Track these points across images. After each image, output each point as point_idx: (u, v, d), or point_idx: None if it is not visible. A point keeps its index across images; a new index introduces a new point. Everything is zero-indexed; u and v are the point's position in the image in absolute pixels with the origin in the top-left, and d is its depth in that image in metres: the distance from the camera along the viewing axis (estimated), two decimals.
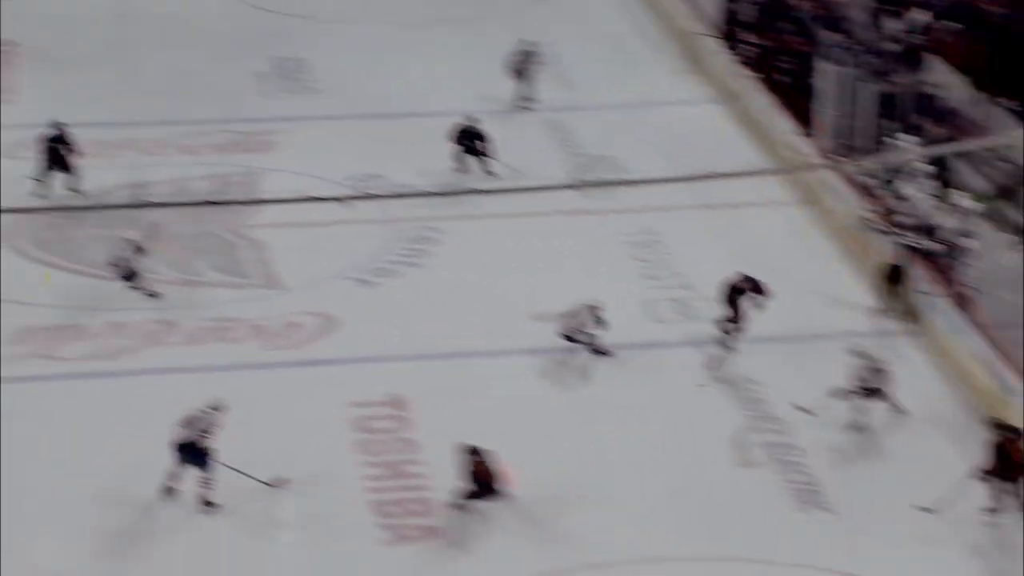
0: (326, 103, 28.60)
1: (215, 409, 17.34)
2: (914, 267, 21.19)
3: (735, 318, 20.23)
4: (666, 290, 22.01)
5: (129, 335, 20.81)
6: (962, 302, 20.24)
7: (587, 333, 19.95)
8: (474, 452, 16.75)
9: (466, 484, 16.66)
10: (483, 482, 16.64)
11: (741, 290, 20.23)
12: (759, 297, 20.25)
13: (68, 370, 20.06)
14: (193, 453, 17.11)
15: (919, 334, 20.79)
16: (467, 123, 25.06)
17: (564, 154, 26.05)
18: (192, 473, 17.10)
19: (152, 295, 21.53)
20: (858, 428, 18.22)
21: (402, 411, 19.12)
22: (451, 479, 17.48)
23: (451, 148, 24.95)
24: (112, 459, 17.92)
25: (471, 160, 25.02)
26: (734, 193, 23.73)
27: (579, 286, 21.81)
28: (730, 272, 21.50)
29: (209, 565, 16.44)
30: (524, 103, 27.78)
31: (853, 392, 18.13)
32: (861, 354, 18.21)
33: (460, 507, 16.74)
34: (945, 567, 16.04)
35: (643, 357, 20.11)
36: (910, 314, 21.09)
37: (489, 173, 24.87)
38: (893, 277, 21.12)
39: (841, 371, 18.98)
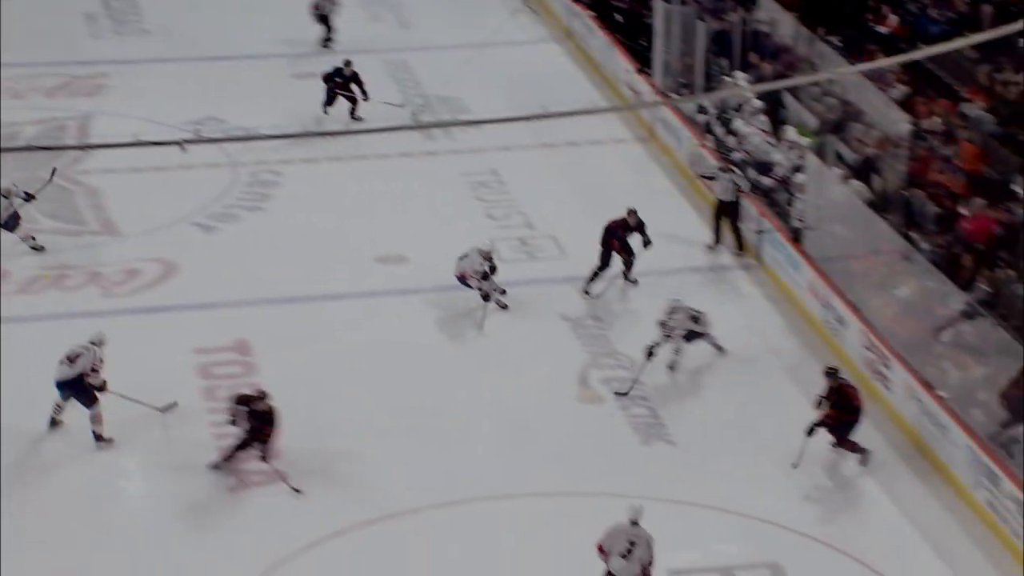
0: (158, 45, 28.24)
1: (97, 344, 17.30)
2: (748, 202, 21.61)
3: (628, 257, 20.51)
4: (509, 229, 22.17)
5: None
6: (794, 236, 20.70)
7: (481, 278, 19.78)
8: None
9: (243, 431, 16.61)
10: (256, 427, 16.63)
11: (628, 228, 20.46)
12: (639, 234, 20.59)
13: None
14: (79, 390, 17.07)
15: (753, 268, 21.25)
16: (341, 65, 24.87)
17: (405, 95, 26.04)
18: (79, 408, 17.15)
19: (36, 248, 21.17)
20: (674, 368, 18.50)
21: (247, 356, 19.07)
22: (298, 423, 17.58)
23: (324, 88, 24.78)
24: None
25: (343, 102, 24.83)
26: (574, 131, 24.01)
27: (423, 227, 21.95)
28: (572, 209, 21.85)
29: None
30: (327, 43, 27.77)
31: (671, 338, 18.37)
32: (675, 308, 18.42)
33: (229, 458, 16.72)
34: (782, 497, 16.46)
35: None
36: (744, 249, 21.55)
37: (356, 118, 24.70)
38: (727, 213, 21.52)
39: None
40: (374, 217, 22.39)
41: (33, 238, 21.19)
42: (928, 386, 17.34)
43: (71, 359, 17.21)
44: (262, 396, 16.67)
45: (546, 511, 16.35)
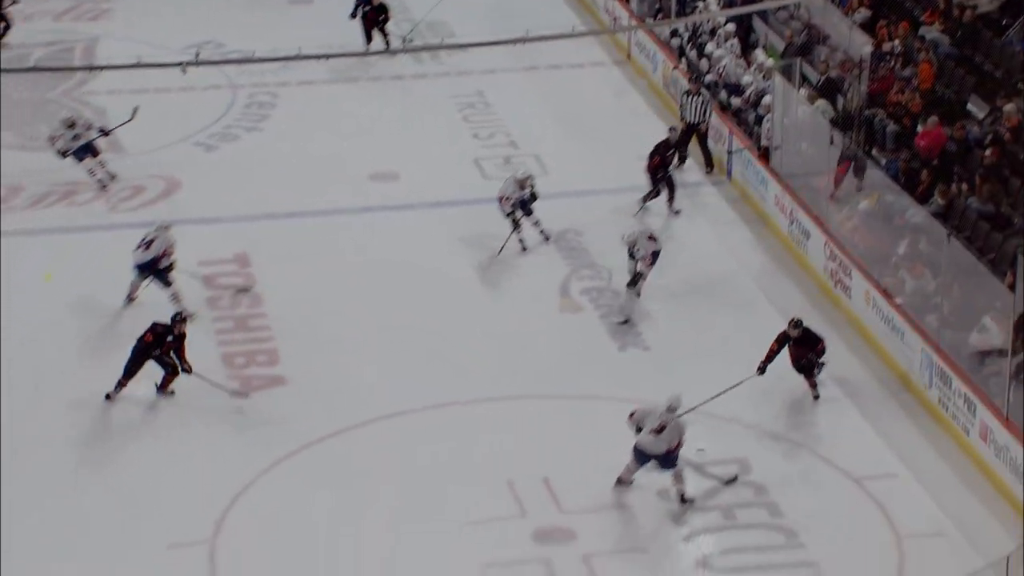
0: None
1: (166, 229, 17.98)
2: (720, 122, 21.70)
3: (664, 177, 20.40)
4: (495, 148, 22.28)
5: None
6: (763, 154, 20.81)
7: (518, 206, 19.36)
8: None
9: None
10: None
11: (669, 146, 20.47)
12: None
13: None
14: (155, 272, 17.79)
15: (723, 184, 21.38)
16: None
17: (395, 21, 25.94)
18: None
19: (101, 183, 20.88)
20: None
21: (247, 268, 19.22)
22: (295, 331, 17.77)
23: (357, 22, 24.67)
24: None
25: (376, 34, 24.71)
26: (555, 55, 24.03)
27: (414, 147, 22.04)
28: (554, 129, 21.96)
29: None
30: None
31: (642, 264, 18.20)
32: (636, 237, 18.23)
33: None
34: (749, 399, 16.68)
35: (473, 213, 20.35)
36: (713, 167, 21.66)
37: (388, 46, 24.50)
38: (697, 134, 21.58)
39: (657, 224, 19.71)
40: (368, 137, 22.47)
41: (99, 171, 20.71)
42: (886, 294, 17.54)
43: (146, 244, 17.80)
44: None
45: (529, 412, 16.56)
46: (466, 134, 22.62)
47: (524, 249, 19.50)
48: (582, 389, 16.85)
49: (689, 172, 21.58)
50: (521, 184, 19.37)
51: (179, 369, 16.31)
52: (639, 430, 14.94)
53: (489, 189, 20.27)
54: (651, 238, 18.37)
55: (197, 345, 17.34)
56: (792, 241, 19.67)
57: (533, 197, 19.44)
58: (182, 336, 16.26)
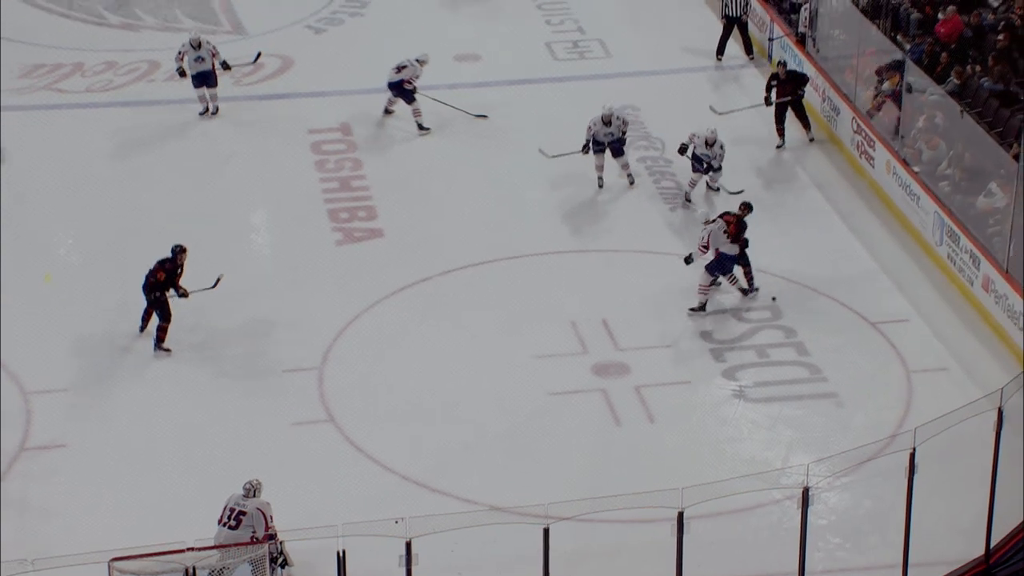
0: None
1: (422, 62, 19.01)
2: (762, 10, 21.29)
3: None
4: (564, 33, 22.04)
5: (122, 73, 20.63)
6: (799, 40, 20.43)
7: (608, 147, 17.62)
8: None
9: None
10: None
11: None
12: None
13: (72, 101, 19.88)
14: (401, 92, 18.94)
15: (764, 67, 21.02)
16: None
17: None
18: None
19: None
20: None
21: (349, 136, 19.26)
22: (391, 190, 17.85)
23: None
24: (118, 172, 18.06)
25: None
26: None
27: (492, 31, 21.82)
28: (617, 16, 21.66)
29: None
30: None
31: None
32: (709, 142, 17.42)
33: None
34: (779, 253, 16.60)
35: (544, 90, 20.19)
36: (754, 52, 21.28)
37: None
38: (739, 25, 21.14)
39: (700, 99, 19.42)
40: (452, 22, 22.27)
41: (209, 102, 19.28)
42: (905, 163, 17.31)
43: (399, 68, 18.81)
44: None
45: (590, 263, 16.60)
46: (539, 20, 22.36)
47: (631, 182, 17.92)
48: (636, 244, 16.83)
49: (733, 58, 21.21)
50: (606, 121, 17.53)
51: (168, 313, 14.78)
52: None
53: (560, 69, 20.08)
54: (709, 142, 17.35)
55: (307, 201, 17.48)
56: (823, 116, 19.39)
57: (622, 139, 17.60)
58: (181, 267, 14.87)
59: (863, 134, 18.26)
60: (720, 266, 15.53)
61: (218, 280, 15.02)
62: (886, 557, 11.98)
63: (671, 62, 21.01)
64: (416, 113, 19.04)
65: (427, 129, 19.03)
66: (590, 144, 17.62)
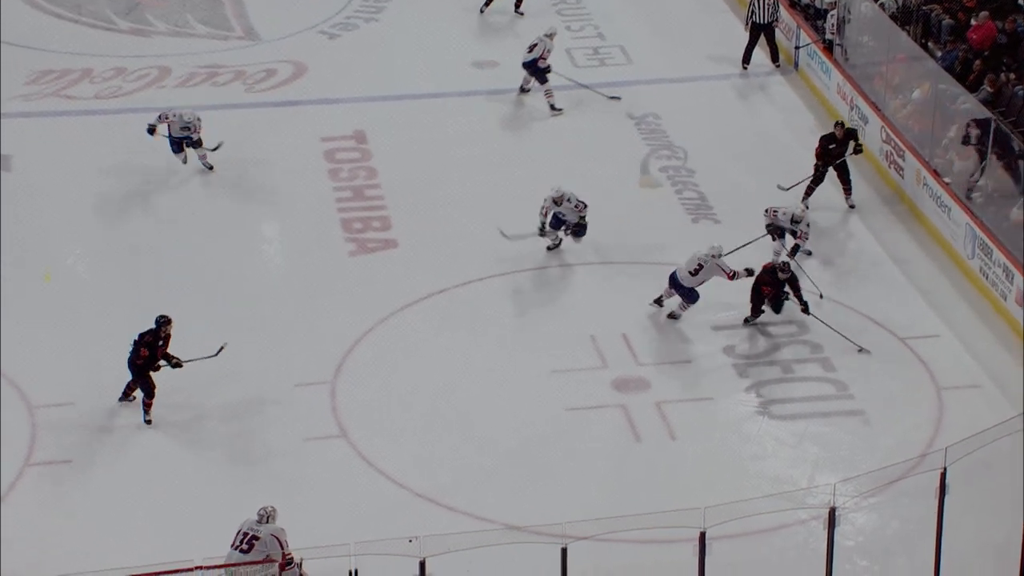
0: None
1: (550, 36, 19.47)
2: (789, 17, 21.28)
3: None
4: (584, 40, 22.07)
5: (131, 79, 20.73)
6: (827, 47, 20.41)
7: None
8: None
9: None
10: None
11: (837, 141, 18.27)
12: None
13: (80, 107, 19.98)
14: (535, 71, 19.38)
15: (791, 74, 21.03)
16: None
17: None
18: None
19: None
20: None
21: (363, 144, 19.31)
22: (406, 200, 17.87)
23: None
24: (126, 179, 18.12)
25: None
26: None
27: (510, 37, 21.86)
28: (637, 22, 21.68)
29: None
30: None
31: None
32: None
33: None
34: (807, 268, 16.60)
35: (564, 96, 20.19)
36: (781, 60, 21.26)
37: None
38: (766, 32, 21.10)
39: (728, 109, 19.43)
40: (470, 28, 22.32)
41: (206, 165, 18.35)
42: (936, 173, 17.27)
43: (531, 47, 19.41)
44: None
45: (611, 276, 16.58)
46: (559, 25, 22.34)
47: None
48: (659, 256, 16.82)
49: (759, 66, 21.21)
50: (557, 201, 16.38)
51: (152, 389, 14.04)
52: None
53: (578, 75, 20.11)
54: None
55: (319, 210, 17.53)
56: (852, 126, 19.33)
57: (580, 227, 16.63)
58: (168, 337, 14.05)
59: (892, 144, 18.22)
60: (692, 297, 15.49)
61: (221, 348, 14.25)
62: None
63: (694, 69, 21.01)
64: (548, 94, 19.46)
65: (559, 110, 19.49)
66: (545, 225, 16.55)
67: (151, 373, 14.01)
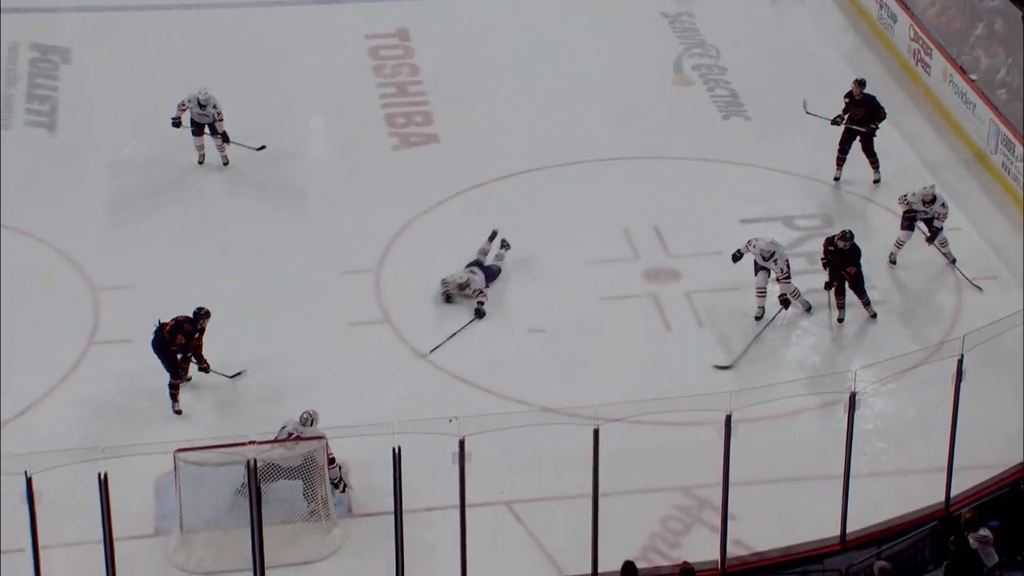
0: None
1: None
2: None
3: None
4: None
5: None
6: None
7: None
8: None
9: None
10: None
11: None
12: None
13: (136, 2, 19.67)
14: None
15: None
16: None
17: None
18: None
19: None
20: None
21: (407, 41, 19.18)
22: (447, 96, 17.77)
23: None
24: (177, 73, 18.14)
25: None
26: None
27: None
28: None
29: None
30: None
31: None
32: None
33: None
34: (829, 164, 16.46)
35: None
36: None
37: None
38: None
39: (760, 8, 19.07)
40: None
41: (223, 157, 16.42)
42: (962, 70, 17.01)
43: None
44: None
45: (644, 170, 16.48)
46: None
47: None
48: (690, 152, 16.72)
49: None
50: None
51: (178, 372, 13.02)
52: None
53: None
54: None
55: (363, 106, 17.46)
56: (880, 24, 19.05)
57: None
58: (203, 331, 13.10)
59: (920, 42, 17.94)
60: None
61: (238, 374, 13.33)
62: (930, 461, 11.98)
63: None
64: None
65: None
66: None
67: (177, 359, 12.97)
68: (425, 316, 14.16)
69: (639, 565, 10.35)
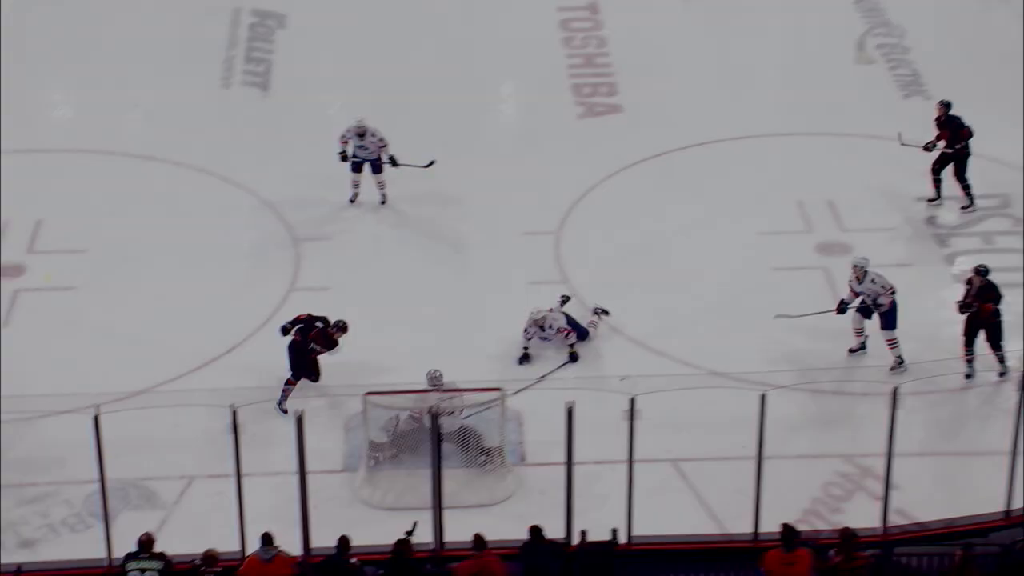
0: None
1: None
2: None
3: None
4: None
5: None
6: None
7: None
8: None
9: None
10: None
11: None
12: None
13: None
14: None
15: None
16: None
17: None
18: None
19: None
20: None
21: (596, 15, 19.15)
22: (631, 69, 17.72)
23: None
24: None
25: None
26: None
27: None
28: None
29: None
30: None
31: None
32: None
33: None
34: (1015, 144, 15.88)
35: None
36: None
37: None
38: None
39: None
40: None
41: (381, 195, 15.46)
42: None
43: None
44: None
45: (819, 145, 16.24)
46: None
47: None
48: (868, 129, 16.38)
49: None
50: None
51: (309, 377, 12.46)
52: None
53: None
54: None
55: (551, 76, 17.45)
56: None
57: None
58: (332, 345, 12.42)
59: None
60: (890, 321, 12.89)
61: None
62: None
63: None
64: None
65: None
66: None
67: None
68: (600, 279, 14.19)
69: (799, 528, 10.28)
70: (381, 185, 15.12)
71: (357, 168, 15.02)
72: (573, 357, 12.98)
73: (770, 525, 10.51)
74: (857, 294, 12.82)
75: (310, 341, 12.35)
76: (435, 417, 10.51)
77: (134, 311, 13.75)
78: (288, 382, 12.36)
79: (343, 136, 14.97)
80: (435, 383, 11.87)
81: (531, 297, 13.86)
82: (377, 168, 14.95)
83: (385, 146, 14.88)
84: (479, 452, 11.70)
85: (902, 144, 15.15)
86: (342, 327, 12.48)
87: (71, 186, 15.57)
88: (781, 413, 11.02)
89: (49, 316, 13.72)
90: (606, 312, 13.50)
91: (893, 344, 12.74)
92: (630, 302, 13.84)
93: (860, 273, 12.77)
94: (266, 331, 13.25)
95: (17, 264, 14.43)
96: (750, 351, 12.91)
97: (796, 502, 11.33)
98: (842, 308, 12.87)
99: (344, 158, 15.01)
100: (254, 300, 13.83)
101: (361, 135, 14.79)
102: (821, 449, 11.87)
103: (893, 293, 12.69)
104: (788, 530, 10.11)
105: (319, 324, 12.48)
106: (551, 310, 13.16)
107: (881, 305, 12.66)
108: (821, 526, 11.20)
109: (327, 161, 15.14)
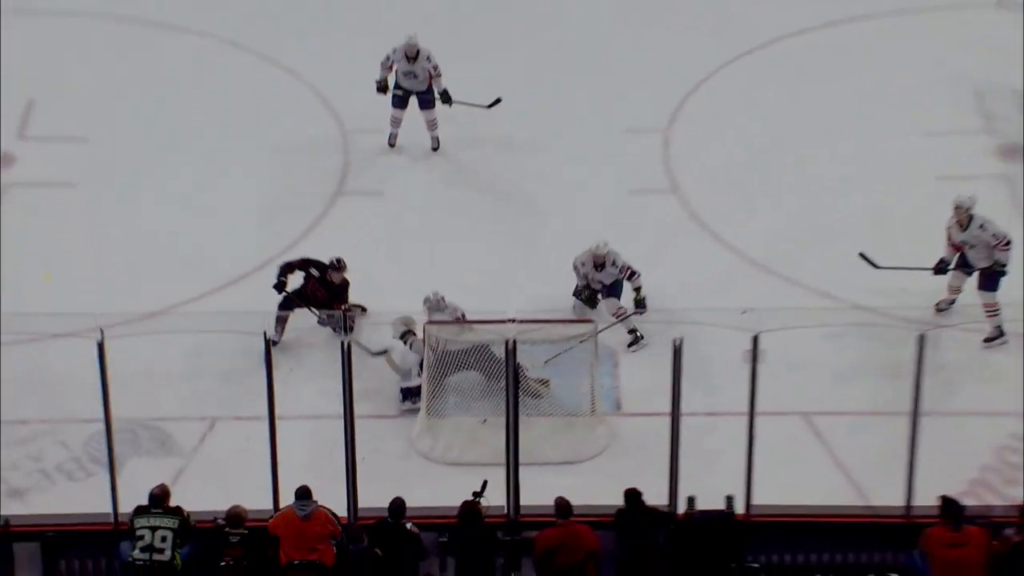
0: None
1: None
2: None
3: None
4: None
5: None
6: None
7: None
8: None
9: None
10: None
11: None
12: None
13: None
14: None
15: None
16: None
17: None
18: None
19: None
20: None
21: None
22: None
23: None
24: None
25: None
26: None
27: None
28: None
29: None
30: None
31: None
32: None
33: None
34: None
35: None
36: None
37: None
38: None
39: None
40: None
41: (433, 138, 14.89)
42: None
43: None
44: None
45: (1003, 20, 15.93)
46: None
47: None
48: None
49: None
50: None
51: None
52: None
53: None
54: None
55: None
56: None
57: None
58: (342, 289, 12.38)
59: None
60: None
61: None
62: None
63: None
64: None
65: None
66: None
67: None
68: (716, 186, 14.07)
69: (966, 502, 10.10)
70: (432, 125, 14.51)
71: (400, 103, 14.33)
72: (640, 304, 12.42)
73: (927, 497, 10.35)
74: (957, 246, 12.34)
75: (310, 297, 12.09)
76: (512, 353, 10.39)
77: (146, 215, 13.81)
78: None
79: (388, 59, 14.18)
80: (436, 308, 11.74)
81: (633, 209, 13.76)
82: (428, 103, 14.37)
83: (439, 76, 14.17)
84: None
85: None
86: (338, 266, 12.22)
87: (71, 58, 15.60)
88: (943, 360, 10.83)
89: (46, 218, 13.79)
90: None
91: (993, 311, 12.23)
92: (751, 214, 13.72)
93: (965, 217, 12.26)
94: (308, 241, 13.23)
95: (6, 153, 14.49)
96: (903, 280, 12.57)
97: (961, 469, 11.17)
98: (941, 268, 12.41)
99: (382, 88, 14.30)
100: (295, 204, 13.80)
101: (411, 58, 14.09)
102: (994, 405, 11.65)
103: (1008, 245, 12.19)
104: (952, 504, 9.95)
105: (314, 271, 12.27)
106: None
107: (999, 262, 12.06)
108: (993, 500, 11.01)
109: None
